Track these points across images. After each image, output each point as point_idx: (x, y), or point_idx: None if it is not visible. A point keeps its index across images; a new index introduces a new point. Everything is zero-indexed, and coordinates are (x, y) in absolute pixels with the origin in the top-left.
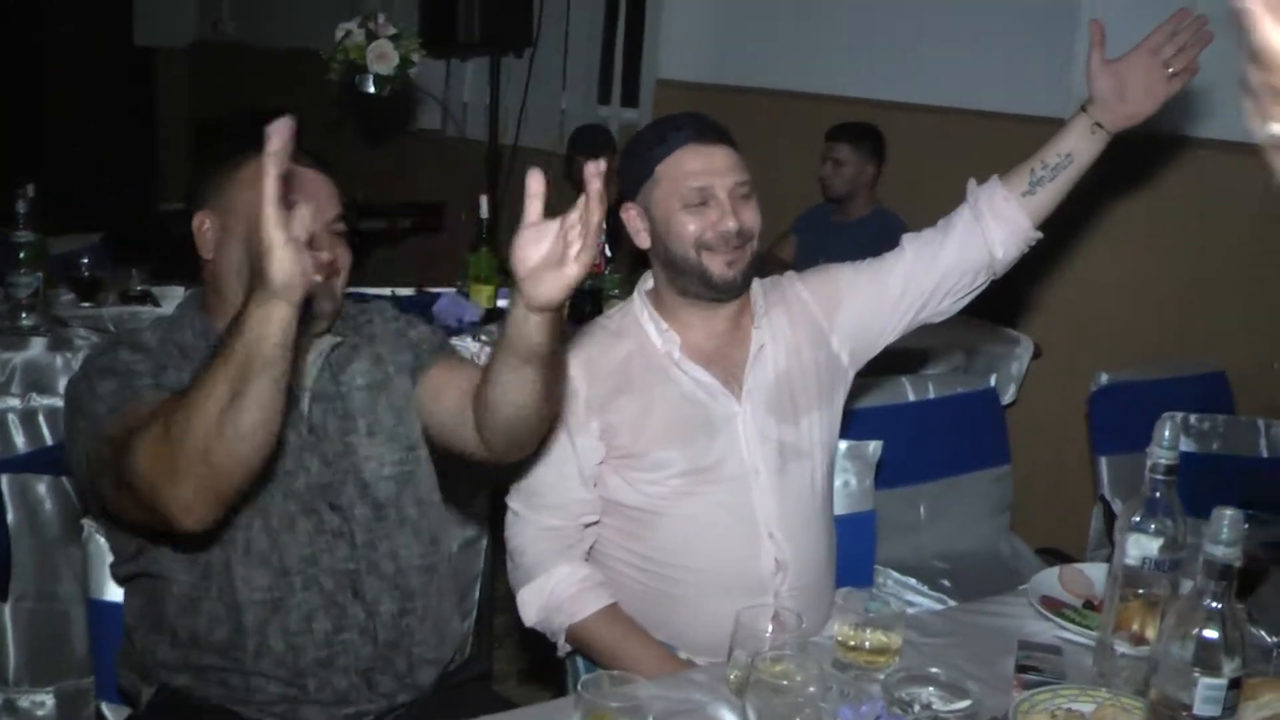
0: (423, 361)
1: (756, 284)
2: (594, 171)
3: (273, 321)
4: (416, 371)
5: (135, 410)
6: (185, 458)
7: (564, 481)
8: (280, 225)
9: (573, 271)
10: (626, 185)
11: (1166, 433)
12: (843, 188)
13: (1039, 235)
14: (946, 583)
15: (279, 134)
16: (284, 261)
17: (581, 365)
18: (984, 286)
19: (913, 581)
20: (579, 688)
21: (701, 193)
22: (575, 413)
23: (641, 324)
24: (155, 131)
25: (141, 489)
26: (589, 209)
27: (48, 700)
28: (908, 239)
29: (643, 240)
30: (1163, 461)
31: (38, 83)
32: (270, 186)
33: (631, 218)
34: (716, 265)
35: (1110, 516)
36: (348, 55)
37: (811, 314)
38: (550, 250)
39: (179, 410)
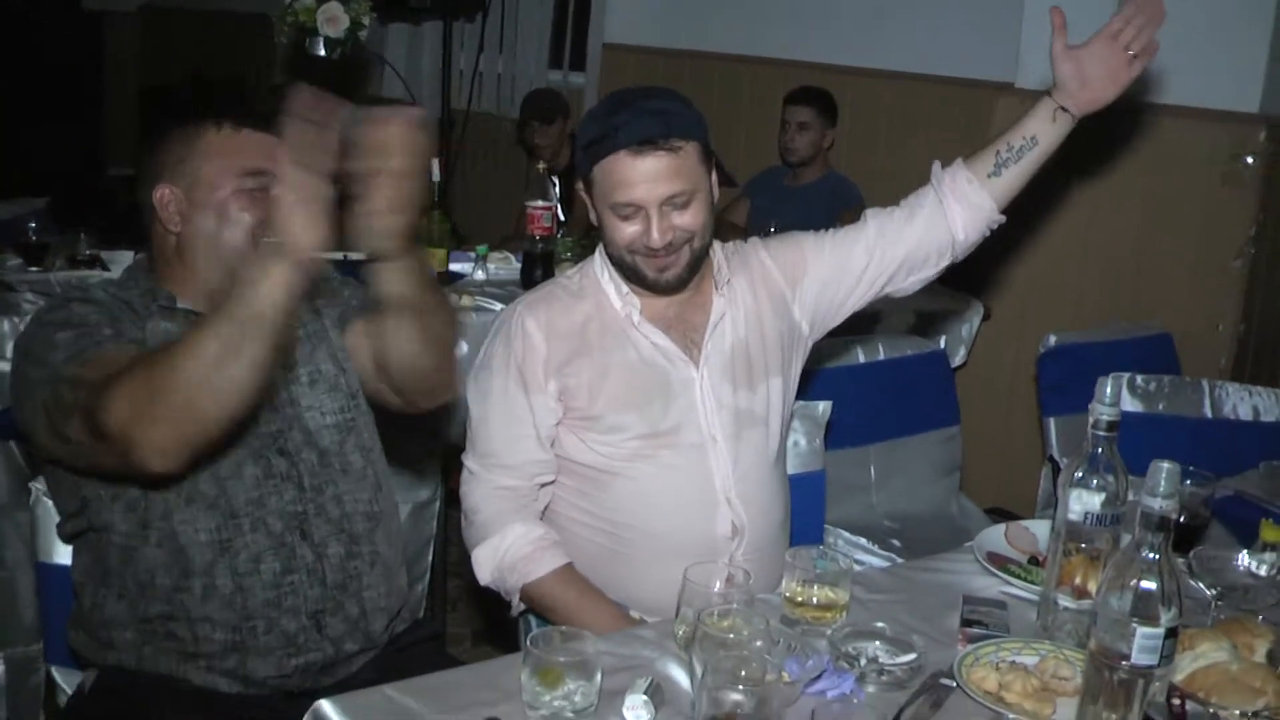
0: (347, 316)
1: (719, 249)
2: None
3: (278, 284)
4: (341, 324)
5: (100, 355)
6: (167, 405)
7: (520, 441)
8: (297, 188)
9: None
10: (576, 162)
11: (1109, 389)
12: (807, 151)
13: (1002, 219)
14: (896, 542)
15: (300, 99)
16: (299, 224)
17: (541, 326)
18: (945, 269)
19: (863, 541)
20: (528, 643)
21: (630, 205)
22: (534, 373)
23: (601, 285)
24: (103, 96)
25: (113, 431)
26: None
27: None
28: (871, 214)
29: (592, 216)
30: (1104, 418)
31: None
32: (288, 150)
33: (582, 194)
34: (650, 270)
35: (1059, 476)
36: (298, 18)
37: (774, 281)
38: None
39: (166, 358)
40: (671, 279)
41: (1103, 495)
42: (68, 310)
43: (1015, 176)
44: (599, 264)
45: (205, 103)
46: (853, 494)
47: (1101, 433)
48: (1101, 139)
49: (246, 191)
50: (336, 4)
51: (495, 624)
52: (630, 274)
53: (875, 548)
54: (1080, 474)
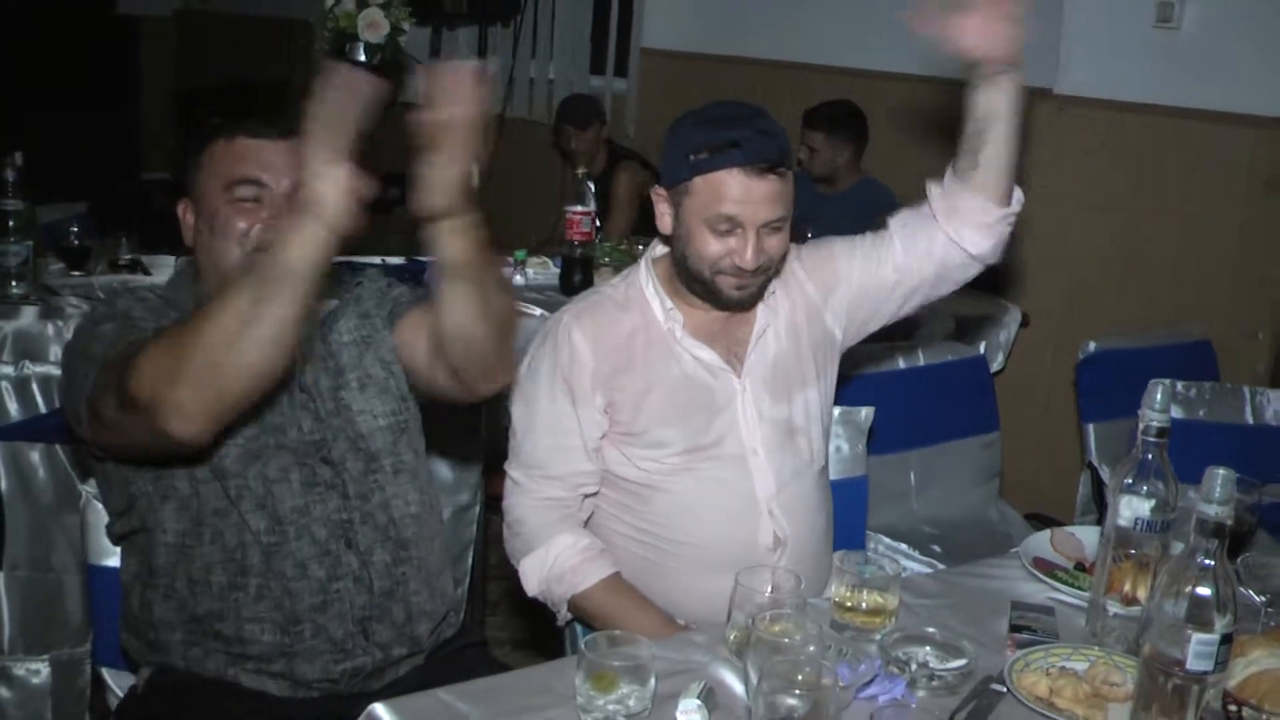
0: (398, 312)
1: None
2: None
3: (309, 242)
4: (392, 320)
5: (139, 340)
6: (194, 363)
7: (567, 452)
8: (330, 149)
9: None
10: (665, 168)
11: (1159, 396)
12: (819, 171)
13: (1013, 210)
14: (937, 548)
15: (336, 72)
16: (331, 184)
17: (589, 338)
18: (977, 273)
19: (904, 547)
20: (583, 646)
21: (730, 221)
22: (581, 385)
23: (646, 297)
24: (138, 101)
25: (141, 395)
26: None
27: (43, 668)
28: (896, 227)
29: (664, 225)
30: (1154, 424)
31: (21, 51)
32: (326, 111)
33: (659, 200)
34: (727, 287)
35: (1098, 482)
36: (338, 24)
37: (808, 292)
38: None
39: (194, 319)
40: (745, 299)
41: (1152, 502)
42: (113, 307)
43: (996, 156)
44: (644, 274)
45: (238, 109)
46: (893, 500)
47: (1152, 439)
48: (1139, 145)
49: (236, 201)
50: (377, 9)
51: (536, 628)
52: (702, 287)
53: (916, 554)
54: (1130, 480)
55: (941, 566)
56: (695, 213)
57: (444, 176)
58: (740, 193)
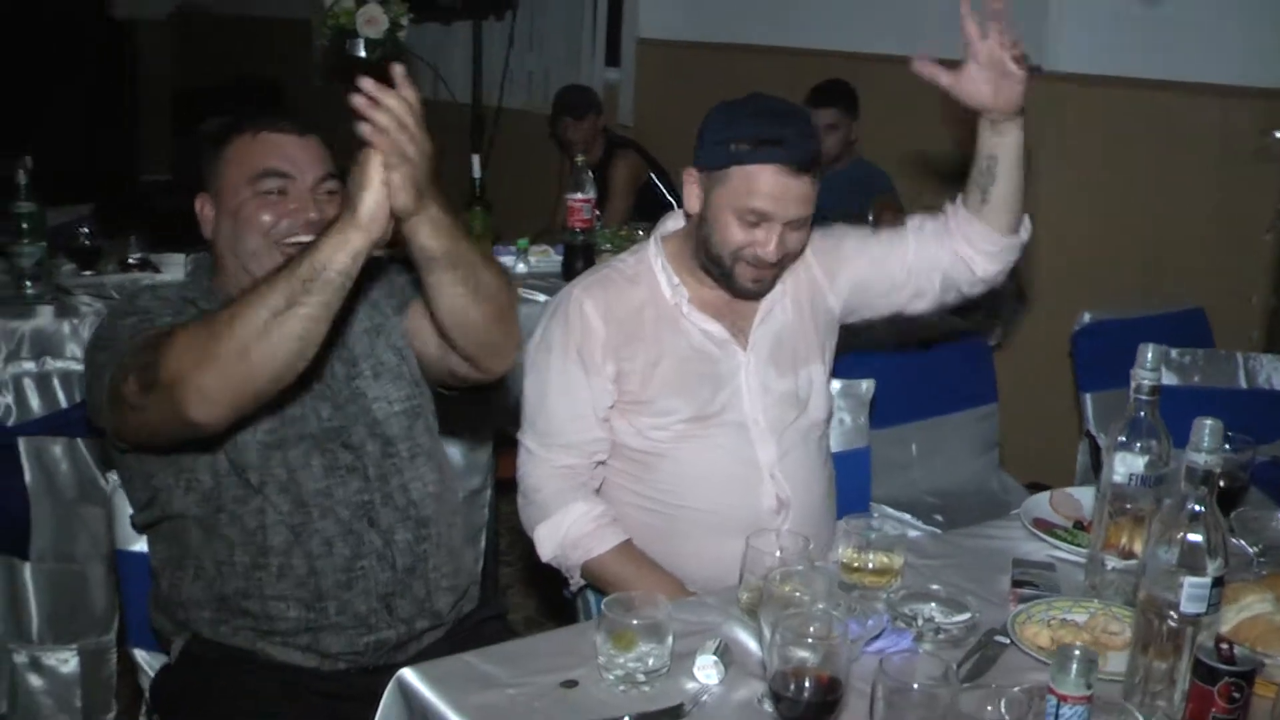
0: (406, 301)
1: None
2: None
3: (347, 248)
4: (402, 309)
5: (160, 330)
6: (223, 351)
7: (579, 420)
8: (379, 164)
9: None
10: (702, 151)
11: (1149, 355)
12: (836, 150)
13: (1020, 240)
14: (939, 517)
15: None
16: (376, 196)
17: (599, 309)
18: (984, 290)
19: (907, 517)
20: (603, 607)
21: (760, 215)
22: (593, 354)
23: (655, 272)
24: (136, 103)
25: (167, 377)
26: None
27: (71, 657)
28: (913, 231)
29: (693, 205)
30: (1146, 382)
31: (20, 56)
32: (371, 129)
33: (690, 180)
34: (745, 277)
35: (1096, 451)
36: (338, 20)
37: (814, 273)
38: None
39: (229, 307)
40: (759, 291)
41: (1146, 458)
42: (134, 303)
43: (1004, 193)
44: (653, 251)
45: (238, 108)
46: (895, 471)
47: (1144, 397)
48: (1113, 117)
49: (261, 194)
50: (376, 5)
51: (547, 608)
52: (720, 272)
53: (919, 523)
54: (1124, 438)
55: (929, 531)
56: (727, 200)
57: (394, 179)
58: (775, 189)
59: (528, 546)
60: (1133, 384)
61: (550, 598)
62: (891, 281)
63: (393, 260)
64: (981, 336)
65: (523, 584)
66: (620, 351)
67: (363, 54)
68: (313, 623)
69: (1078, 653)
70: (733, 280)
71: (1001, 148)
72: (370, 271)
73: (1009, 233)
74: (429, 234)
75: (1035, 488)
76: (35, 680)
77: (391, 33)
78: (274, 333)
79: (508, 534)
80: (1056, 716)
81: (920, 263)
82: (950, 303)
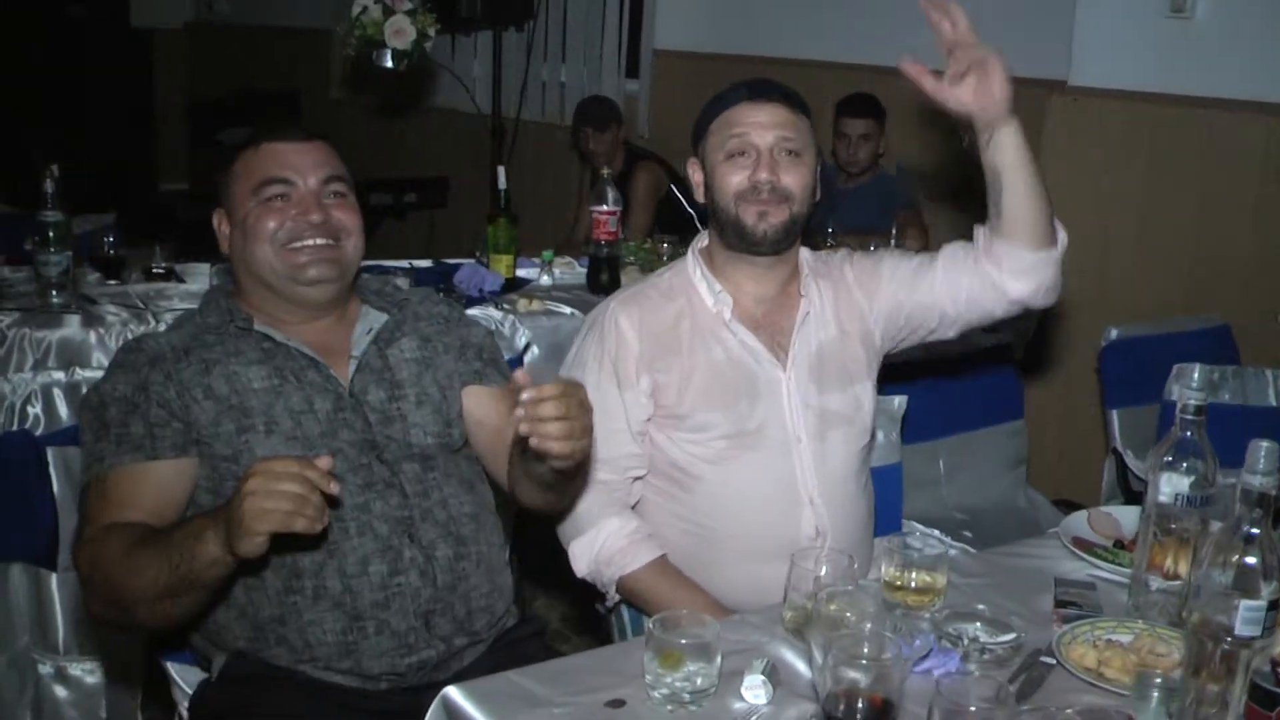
0: (482, 375)
1: (806, 254)
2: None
3: (218, 565)
4: (460, 378)
5: (102, 487)
6: (107, 598)
7: (614, 436)
8: (270, 522)
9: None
10: (693, 140)
11: (1195, 375)
12: (868, 161)
13: (1053, 253)
14: (968, 534)
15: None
16: (255, 547)
17: (634, 324)
18: (1020, 311)
19: (936, 533)
20: (650, 625)
21: (742, 142)
22: (627, 369)
23: (694, 283)
24: (153, 112)
25: (77, 559)
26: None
27: (97, 669)
28: (944, 257)
29: (700, 194)
30: (1192, 402)
31: (42, 65)
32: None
33: (693, 171)
34: (750, 216)
35: (1123, 468)
36: (365, 31)
37: (854, 295)
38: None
39: (121, 569)
40: (768, 230)
41: (1192, 478)
42: (100, 393)
43: (1015, 204)
44: (691, 262)
45: (254, 118)
46: (923, 488)
47: (1190, 416)
48: (1153, 133)
49: (264, 203)
50: (404, 16)
51: (570, 623)
52: (733, 230)
53: (948, 540)
54: (1170, 458)
55: (974, 551)
56: (715, 153)
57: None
58: (747, 117)
59: (550, 559)
60: (1178, 404)
61: (573, 612)
62: (924, 304)
63: (419, 278)
64: (1010, 350)
65: (543, 599)
66: (655, 364)
67: (389, 64)
68: (352, 646)
69: (1159, 680)
70: (743, 229)
71: (1001, 157)
72: (410, 300)
73: (1037, 247)
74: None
75: (1062, 504)
76: (61, 691)
77: (419, 43)
78: (160, 602)
79: (531, 551)
80: None
81: (948, 287)
82: (980, 325)
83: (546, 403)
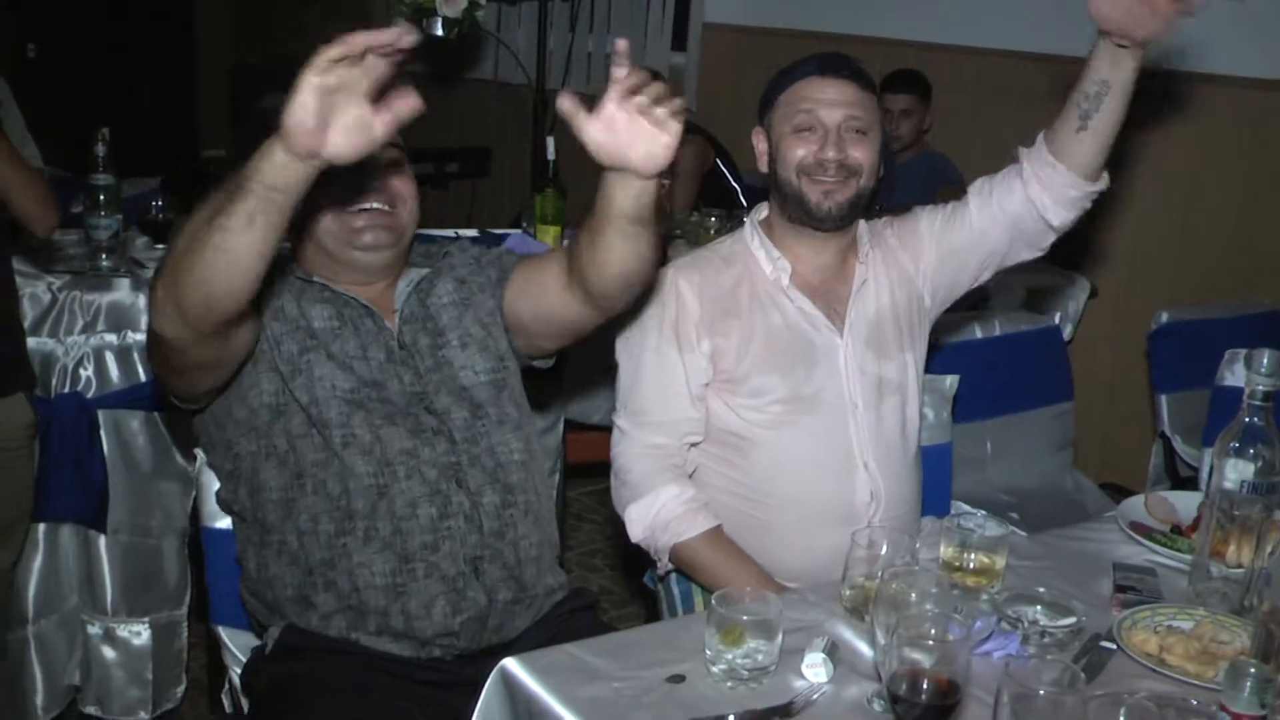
0: (506, 270)
1: (863, 225)
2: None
3: (268, 158)
4: (502, 281)
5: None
6: (169, 258)
7: (674, 400)
8: (315, 71)
9: (672, 130)
10: (760, 110)
11: (1265, 360)
12: (910, 137)
13: (1098, 188)
14: (1015, 515)
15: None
16: (299, 102)
17: (694, 287)
18: (1050, 245)
19: (981, 514)
20: (713, 601)
21: (810, 118)
22: (687, 332)
23: (752, 250)
24: (196, 76)
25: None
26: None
27: (144, 630)
28: (974, 194)
29: (763, 164)
30: (1261, 388)
31: (86, 30)
32: (339, 48)
33: (757, 141)
34: (814, 193)
35: (1170, 452)
36: None
37: (901, 260)
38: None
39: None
40: (832, 208)
41: (1258, 464)
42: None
43: (1104, 125)
44: (749, 231)
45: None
46: (970, 468)
47: (1258, 403)
48: (1199, 114)
49: None
50: None
51: (610, 595)
52: (795, 203)
53: (994, 521)
54: (1236, 444)
55: (1020, 533)
56: (781, 125)
57: (665, 138)
58: (817, 92)
59: (590, 533)
60: (1246, 389)
61: (615, 585)
62: (963, 249)
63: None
64: (1059, 332)
65: (580, 570)
66: (715, 327)
67: (439, 32)
68: (400, 588)
69: (1253, 670)
70: (806, 204)
71: (1116, 76)
72: (451, 251)
73: (1090, 178)
74: (655, 190)
75: (1108, 488)
76: (109, 652)
77: (470, 11)
78: (201, 241)
79: (576, 520)
80: None
81: (983, 219)
82: (1020, 260)
83: (639, 76)
